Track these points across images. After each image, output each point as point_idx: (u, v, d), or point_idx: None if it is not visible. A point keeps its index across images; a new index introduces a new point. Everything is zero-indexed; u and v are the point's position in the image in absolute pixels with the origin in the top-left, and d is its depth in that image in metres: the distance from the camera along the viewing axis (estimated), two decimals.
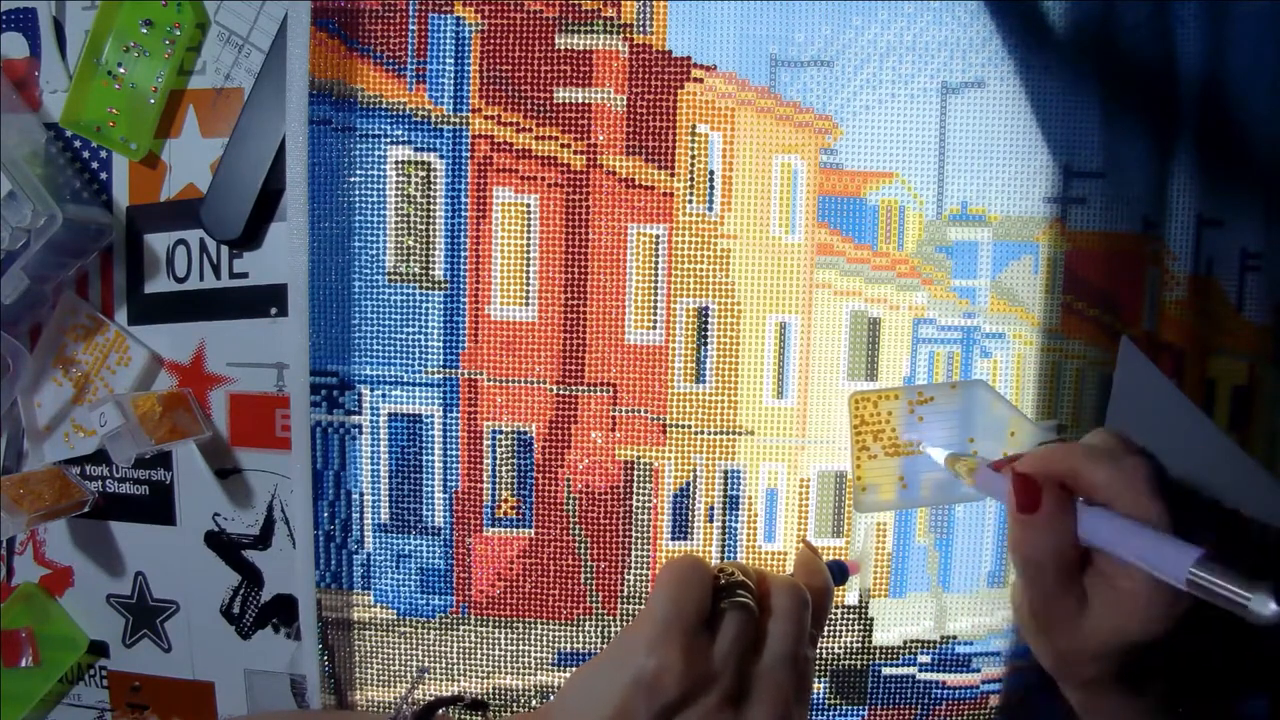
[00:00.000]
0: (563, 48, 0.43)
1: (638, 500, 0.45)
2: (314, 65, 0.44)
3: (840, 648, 0.45)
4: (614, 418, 0.44)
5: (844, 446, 0.44)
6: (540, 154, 0.44)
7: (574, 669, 0.45)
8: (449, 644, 0.46)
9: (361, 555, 0.46)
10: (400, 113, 0.44)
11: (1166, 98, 0.42)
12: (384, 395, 0.45)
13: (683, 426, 0.44)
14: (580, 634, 0.46)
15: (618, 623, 0.45)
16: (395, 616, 0.46)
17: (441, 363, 0.45)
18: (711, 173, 0.43)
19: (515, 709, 0.46)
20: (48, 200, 0.45)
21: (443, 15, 0.44)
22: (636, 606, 0.45)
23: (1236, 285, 0.43)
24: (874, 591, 0.44)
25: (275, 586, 0.50)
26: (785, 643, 0.31)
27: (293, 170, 0.45)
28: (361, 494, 0.46)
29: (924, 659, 0.45)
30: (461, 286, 0.44)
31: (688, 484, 0.44)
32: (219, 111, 0.48)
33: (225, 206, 0.47)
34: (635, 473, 0.45)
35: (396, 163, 0.44)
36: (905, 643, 0.45)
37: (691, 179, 0.43)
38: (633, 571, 0.45)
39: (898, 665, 0.45)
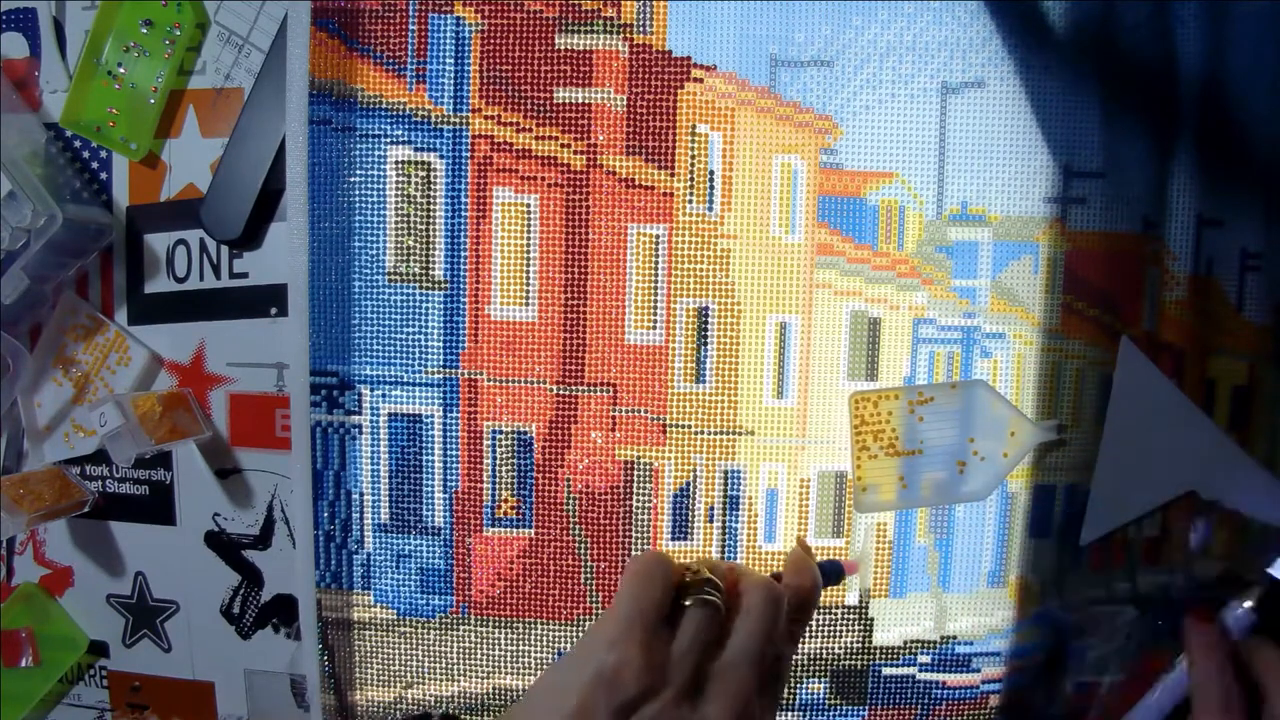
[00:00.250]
0: (563, 48, 0.43)
1: (638, 500, 0.45)
2: (314, 65, 0.44)
3: (840, 648, 0.45)
4: (614, 418, 0.44)
5: (844, 446, 0.44)
6: (540, 154, 0.44)
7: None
8: (449, 644, 0.46)
9: (361, 555, 0.46)
10: (400, 113, 0.44)
11: (1166, 98, 0.42)
12: (384, 395, 0.45)
13: (683, 426, 0.44)
14: (580, 634, 0.46)
15: None
16: (395, 616, 0.46)
17: (441, 363, 0.45)
18: (711, 173, 0.43)
19: None
20: (48, 200, 0.45)
21: (443, 15, 0.44)
22: None
23: (1236, 285, 0.43)
24: (874, 592, 0.44)
25: (275, 586, 0.50)
26: (750, 640, 0.31)
27: (293, 170, 0.45)
28: (361, 494, 0.46)
29: (924, 659, 0.45)
30: (461, 286, 0.44)
31: (688, 484, 0.44)
32: (219, 111, 0.48)
33: (225, 206, 0.47)
34: (635, 473, 0.45)
35: (396, 163, 0.44)
36: (905, 643, 0.45)
37: (691, 179, 0.43)
38: None
39: (898, 665, 0.45)
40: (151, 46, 0.47)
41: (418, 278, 0.45)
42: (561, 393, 0.44)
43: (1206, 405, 0.43)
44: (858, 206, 0.43)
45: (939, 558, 0.44)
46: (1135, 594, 0.44)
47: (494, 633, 0.46)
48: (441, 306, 0.45)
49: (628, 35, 0.43)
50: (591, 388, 0.44)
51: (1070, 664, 0.44)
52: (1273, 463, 0.42)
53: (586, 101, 0.43)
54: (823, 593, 0.44)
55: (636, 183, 0.44)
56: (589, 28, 0.43)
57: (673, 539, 0.45)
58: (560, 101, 0.44)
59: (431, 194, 0.44)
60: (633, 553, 0.45)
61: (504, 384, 0.45)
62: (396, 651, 0.46)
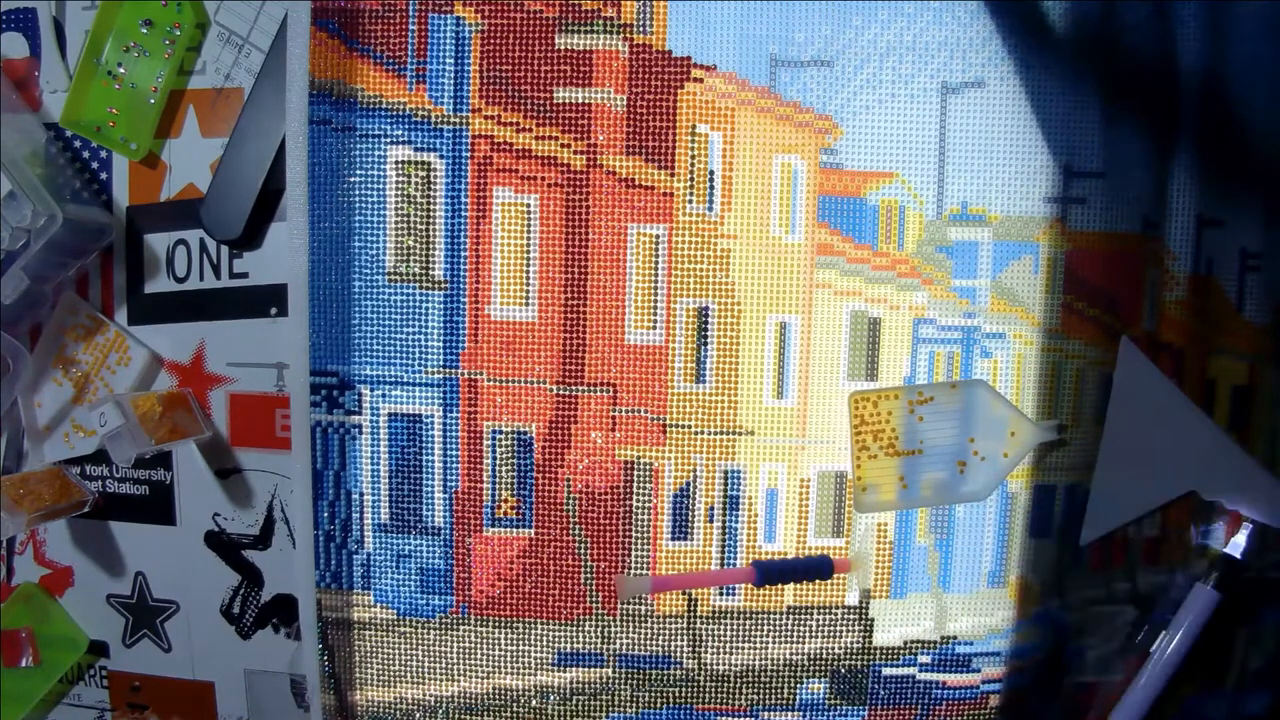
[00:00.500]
0: (563, 48, 0.43)
1: (638, 500, 0.45)
2: (314, 65, 0.44)
3: (840, 648, 0.45)
4: (614, 418, 0.44)
5: (844, 446, 0.44)
6: (540, 154, 0.44)
7: (574, 669, 0.45)
8: (449, 644, 0.46)
9: (361, 555, 0.46)
10: (400, 113, 0.44)
11: (1166, 98, 0.42)
12: (384, 395, 0.45)
13: (683, 426, 0.44)
14: (580, 634, 0.46)
15: (618, 623, 0.45)
16: (395, 616, 0.46)
17: (441, 363, 0.45)
18: (711, 173, 0.43)
19: (515, 709, 0.46)
20: (48, 200, 0.45)
21: (443, 15, 0.44)
22: (636, 607, 0.45)
23: (1236, 285, 0.43)
24: (874, 592, 0.44)
25: (275, 586, 0.50)
26: None
27: (293, 170, 0.45)
28: (361, 494, 0.46)
29: (924, 659, 0.45)
30: (461, 286, 0.44)
31: (688, 484, 0.45)
32: (219, 111, 0.48)
33: (225, 206, 0.47)
34: (635, 473, 0.45)
35: (396, 163, 0.44)
36: (905, 643, 0.45)
37: (691, 179, 0.43)
38: (633, 571, 0.45)
39: (898, 665, 0.45)
40: (151, 46, 0.47)
41: (418, 278, 0.45)
42: (561, 393, 0.44)
43: (1206, 405, 0.43)
44: (858, 206, 0.43)
45: (939, 558, 0.44)
46: (1135, 594, 0.44)
47: (494, 633, 0.46)
48: (441, 306, 0.45)
49: (628, 35, 0.43)
50: (591, 388, 0.44)
51: (1070, 664, 0.44)
52: (1273, 463, 0.43)
53: (586, 101, 0.44)
54: (819, 590, 0.44)
55: (636, 183, 0.44)
56: (589, 28, 0.43)
57: (673, 539, 0.45)
58: (560, 101, 0.44)
59: (431, 194, 0.44)
60: (632, 553, 0.45)
61: (504, 384, 0.45)
62: (396, 651, 0.46)
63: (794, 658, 0.45)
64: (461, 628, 0.46)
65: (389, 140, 0.44)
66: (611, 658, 0.45)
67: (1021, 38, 0.42)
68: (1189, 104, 0.42)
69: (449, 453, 0.45)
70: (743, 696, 0.45)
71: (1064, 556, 0.44)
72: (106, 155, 0.49)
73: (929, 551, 0.44)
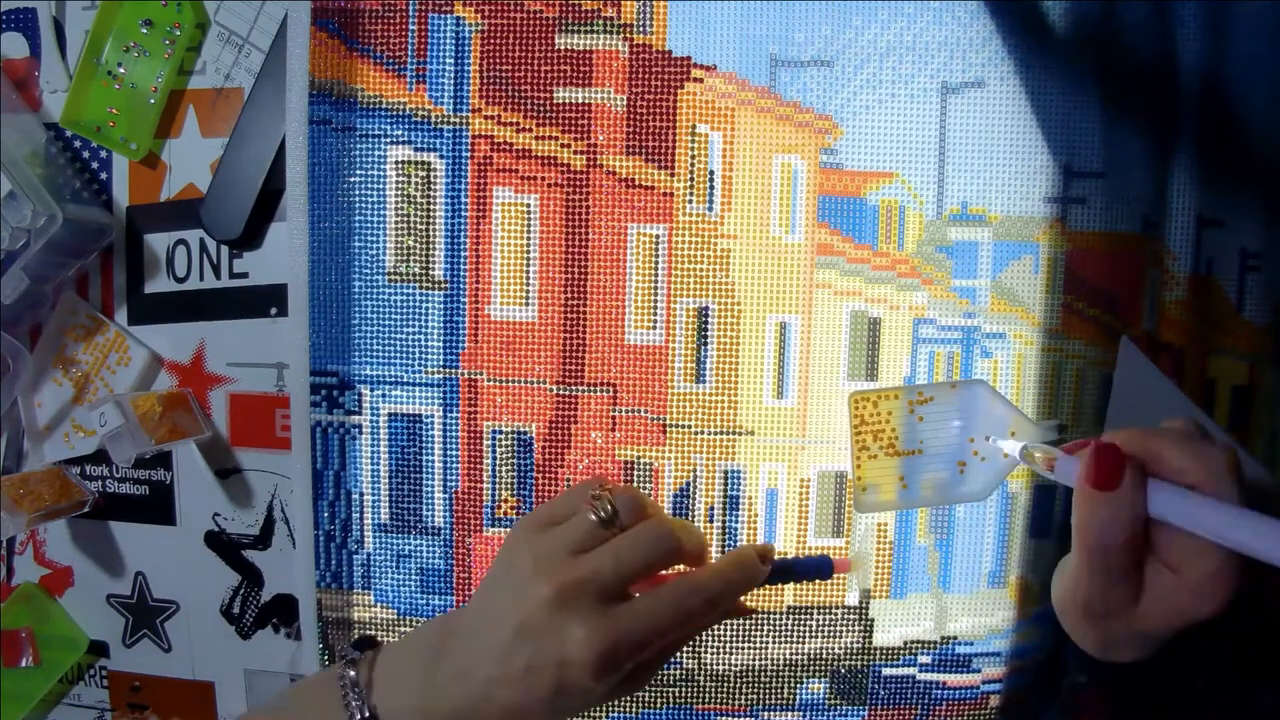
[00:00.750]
0: (563, 48, 0.43)
1: None
2: (314, 65, 0.44)
3: (840, 648, 0.45)
4: (614, 418, 0.44)
5: (844, 446, 0.44)
6: (540, 154, 0.44)
7: None
8: None
9: (361, 555, 0.46)
10: (400, 113, 0.44)
11: (1166, 98, 0.42)
12: (384, 395, 0.45)
13: (683, 426, 0.44)
14: None
15: None
16: (395, 616, 0.46)
17: (441, 363, 0.45)
18: (711, 173, 0.43)
19: None
20: (48, 200, 0.45)
21: (443, 15, 0.44)
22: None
23: (1236, 285, 0.43)
24: (874, 592, 0.44)
25: (275, 586, 0.50)
26: (606, 555, 0.34)
27: (293, 170, 0.45)
28: (361, 494, 0.46)
29: (924, 659, 0.45)
30: (461, 286, 0.44)
31: (688, 484, 0.44)
32: (219, 111, 0.48)
33: (225, 206, 0.47)
34: (635, 473, 0.45)
35: (396, 163, 0.44)
36: (905, 643, 0.45)
37: (691, 179, 0.43)
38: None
39: (898, 665, 0.45)
40: (151, 46, 0.47)
41: (418, 278, 0.45)
42: (561, 393, 0.44)
43: (1206, 405, 0.43)
44: (858, 206, 0.43)
45: (939, 558, 0.44)
46: None
47: None
48: (441, 306, 0.45)
49: (628, 35, 0.43)
50: (591, 388, 0.44)
51: (1070, 664, 0.44)
52: (1273, 463, 0.42)
53: (586, 101, 0.44)
54: (819, 590, 0.44)
55: (636, 183, 0.44)
56: (589, 28, 0.43)
57: None
58: (560, 101, 0.44)
59: (431, 194, 0.44)
60: None
61: (504, 384, 0.45)
62: None
63: (794, 658, 0.45)
64: None
65: (389, 140, 0.44)
66: None
67: (1021, 38, 0.42)
68: (1189, 104, 0.42)
69: (449, 453, 0.45)
70: (743, 696, 0.45)
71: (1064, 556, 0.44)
72: (106, 155, 0.49)
73: (929, 551, 0.44)
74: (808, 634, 0.45)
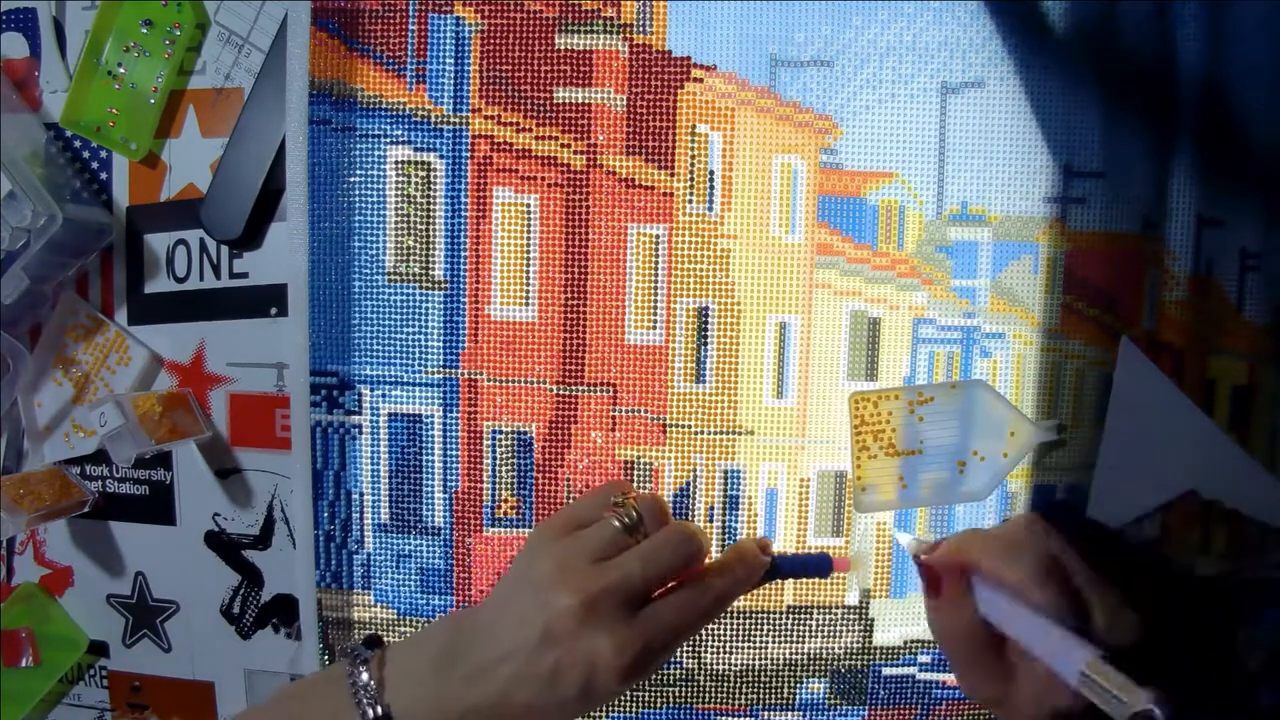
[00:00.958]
0: (563, 48, 0.43)
1: None
2: (314, 65, 0.44)
3: (840, 648, 0.45)
4: (614, 418, 0.44)
5: (844, 446, 0.44)
6: (540, 154, 0.44)
7: None
8: None
9: (361, 555, 0.46)
10: (400, 113, 0.44)
11: (1166, 98, 0.42)
12: (384, 395, 0.45)
13: (683, 426, 0.44)
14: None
15: None
16: (395, 616, 0.46)
17: (441, 363, 0.45)
18: (711, 173, 0.43)
19: None
20: (48, 200, 0.45)
21: (443, 15, 0.44)
22: None
23: (1236, 285, 0.43)
24: (874, 592, 0.44)
25: (275, 586, 0.50)
26: (632, 559, 0.35)
27: (293, 170, 0.45)
28: (361, 494, 0.46)
29: (924, 659, 0.45)
30: (461, 286, 0.44)
31: (688, 484, 0.44)
32: (219, 111, 0.48)
33: (225, 206, 0.47)
34: (635, 473, 0.45)
35: (396, 163, 0.44)
36: (905, 643, 0.45)
37: (691, 179, 0.43)
38: None
39: (898, 665, 0.45)
40: (151, 46, 0.47)
41: (418, 278, 0.45)
42: (561, 393, 0.44)
43: (1206, 405, 0.43)
44: (858, 206, 0.43)
45: None
46: None
47: None
48: (441, 306, 0.45)
49: (628, 35, 0.43)
50: (591, 388, 0.44)
51: None
52: (1273, 463, 0.42)
53: (586, 101, 0.44)
54: (819, 589, 0.44)
55: (636, 183, 0.44)
56: (589, 28, 0.43)
57: None
58: (560, 101, 0.44)
59: (431, 194, 0.44)
60: None
61: (504, 384, 0.45)
62: None
63: (794, 657, 0.45)
64: None
65: (389, 140, 0.44)
66: None
67: (1021, 38, 0.42)
68: (1189, 104, 0.42)
69: (449, 453, 0.45)
70: (742, 696, 0.45)
71: None
72: (106, 155, 0.49)
73: None
74: (808, 634, 0.45)
